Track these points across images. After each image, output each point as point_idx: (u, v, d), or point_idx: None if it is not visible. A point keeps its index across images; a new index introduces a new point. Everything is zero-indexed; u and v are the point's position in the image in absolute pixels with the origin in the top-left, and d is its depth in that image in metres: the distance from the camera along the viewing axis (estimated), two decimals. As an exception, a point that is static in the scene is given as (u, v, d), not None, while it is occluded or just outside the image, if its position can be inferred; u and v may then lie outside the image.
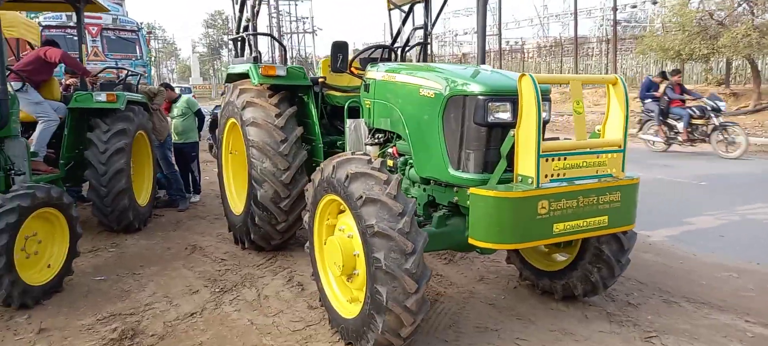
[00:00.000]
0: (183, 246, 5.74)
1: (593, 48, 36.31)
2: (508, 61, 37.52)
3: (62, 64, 6.13)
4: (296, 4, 48.29)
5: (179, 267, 5.09)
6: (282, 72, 4.97)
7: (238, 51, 5.78)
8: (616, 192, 3.20)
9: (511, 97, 3.34)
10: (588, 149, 3.15)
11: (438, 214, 3.81)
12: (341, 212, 3.71)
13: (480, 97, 3.34)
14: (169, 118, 7.65)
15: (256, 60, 5.19)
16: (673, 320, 3.82)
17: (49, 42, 6.17)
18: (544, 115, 3.26)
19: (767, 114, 18.04)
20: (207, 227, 6.53)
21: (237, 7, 5.57)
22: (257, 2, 5.04)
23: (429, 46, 6.11)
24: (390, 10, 6.32)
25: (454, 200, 3.65)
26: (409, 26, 6.41)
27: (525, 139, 2.98)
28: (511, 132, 3.10)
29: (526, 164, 3.00)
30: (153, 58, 17.23)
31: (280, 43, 5.49)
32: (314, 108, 5.14)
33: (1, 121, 4.56)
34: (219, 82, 58.57)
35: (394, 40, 6.43)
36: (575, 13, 29.46)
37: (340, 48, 4.55)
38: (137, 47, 15.38)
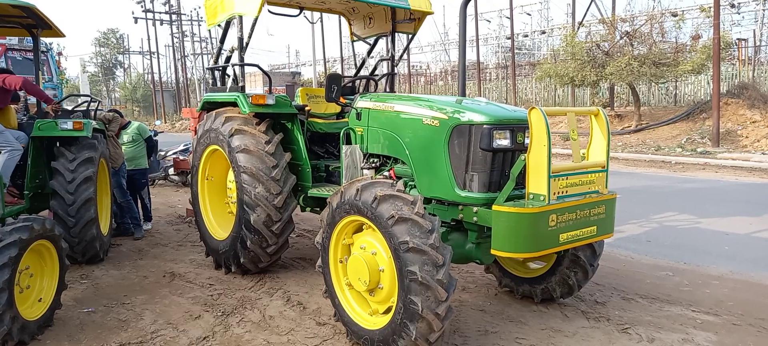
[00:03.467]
0: (160, 274, 5.67)
1: (491, 73, 39.03)
2: (414, 84, 39.16)
3: None
4: (200, 24, 46.93)
5: (167, 294, 5.06)
6: (271, 101, 5.19)
7: (219, 80, 5.87)
8: (602, 205, 3.82)
9: (510, 125, 3.89)
10: (583, 169, 3.74)
11: (441, 230, 4.23)
12: (357, 231, 4.03)
13: (485, 126, 3.84)
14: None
15: (243, 89, 5.35)
16: (637, 314, 4.51)
17: (1, 69, 5.86)
18: (526, 141, 3.83)
19: (647, 133, 20.52)
20: (175, 254, 6.45)
21: (218, 39, 5.69)
22: (248, 35, 5.21)
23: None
24: (353, 41, 6.72)
25: (459, 217, 4.10)
26: (374, 57, 6.86)
27: (536, 163, 3.50)
28: (522, 156, 3.61)
29: (537, 184, 3.51)
30: (65, 80, 16.16)
31: (266, 74, 5.67)
32: (300, 134, 5.38)
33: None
34: (113, 103, 55.14)
35: (359, 70, 6.83)
36: (477, 40, 31.55)
37: (334, 79, 4.88)
38: (46, 68, 14.42)
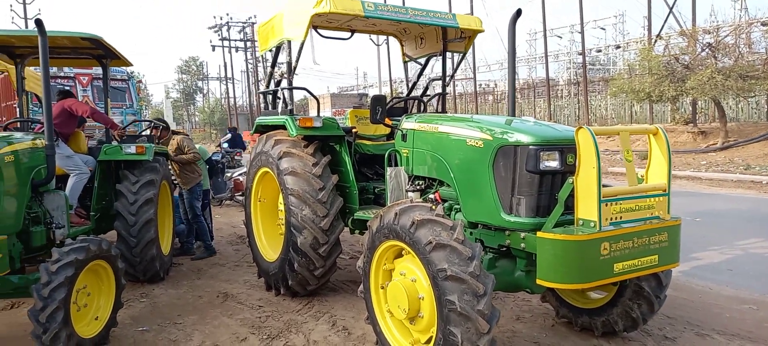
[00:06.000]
0: (214, 294, 5.78)
1: (562, 90, 37.82)
2: (481, 103, 38.62)
3: None
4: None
5: (218, 315, 5.13)
6: (319, 123, 5.19)
7: (270, 104, 5.98)
8: (664, 232, 3.48)
9: (559, 146, 3.64)
10: (640, 193, 3.43)
11: (487, 257, 4.02)
12: (398, 256, 3.90)
13: (531, 147, 3.61)
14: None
15: (292, 113, 5.40)
16: (710, 352, 4.07)
17: (65, 93, 6.17)
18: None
19: (735, 151, 19.00)
20: (230, 275, 6.57)
21: (269, 63, 5.81)
22: (296, 60, 5.28)
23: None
24: (405, 62, 6.65)
25: (506, 243, 3.87)
26: (425, 77, 6.76)
27: (585, 186, 3.24)
28: (570, 179, 3.36)
29: (587, 209, 3.25)
30: (144, 106, 17.43)
31: (314, 97, 5.72)
32: (347, 156, 5.34)
33: (49, 176, 4.62)
34: (193, 127, 58.29)
35: (411, 91, 6.74)
36: (545, 57, 30.68)
37: (379, 101, 4.82)
38: (127, 96, 15.42)
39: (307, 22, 4.85)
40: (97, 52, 6.05)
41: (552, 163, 3.61)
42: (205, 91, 66.44)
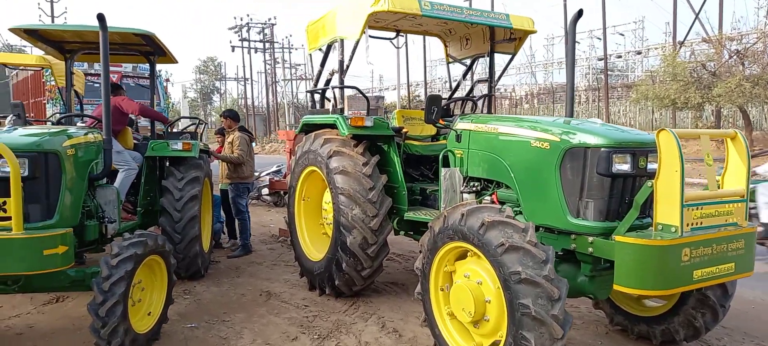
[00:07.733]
0: (256, 293, 5.75)
1: (581, 96, 37.54)
2: (498, 108, 38.48)
3: None
4: (290, 52, 49.03)
5: (265, 314, 5.10)
6: (370, 123, 5.16)
7: (318, 103, 5.95)
8: (741, 239, 3.39)
9: (631, 149, 3.57)
10: (721, 199, 3.35)
11: (550, 261, 3.94)
12: (459, 258, 3.85)
13: (603, 149, 3.55)
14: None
15: (342, 112, 5.37)
16: (776, 364, 3.96)
17: (115, 87, 6.16)
18: (653, 166, 3.49)
19: (761, 160, 18.69)
20: (269, 273, 6.55)
21: (318, 62, 5.80)
22: (349, 59, 5.25)
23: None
24: (449, 63, 6.60)
25: (571, 247, 3.80)
26: (471, 79, 6.69)
27: (666, 190, 3.17)
28: (649, 182, 3.28)
29: (668, 213, 3.17)
30: (171, 104, 17.65)
31: (365, 96, 5.69)
32: (396, 157, 5.30)
33: (105, 169, 4.63)
34: (209, 127, 58.55)
35: (453, 92, 6.68)
36: (567, 62, 30.39)
37: (434, 101, 4.78)
38: (154, 94, 15.51)
39: (363, 20, 4.82)
40: (145, 48, 6.06)
41: (624, 166, 3.55)
42: (222, 92, 66.92)
